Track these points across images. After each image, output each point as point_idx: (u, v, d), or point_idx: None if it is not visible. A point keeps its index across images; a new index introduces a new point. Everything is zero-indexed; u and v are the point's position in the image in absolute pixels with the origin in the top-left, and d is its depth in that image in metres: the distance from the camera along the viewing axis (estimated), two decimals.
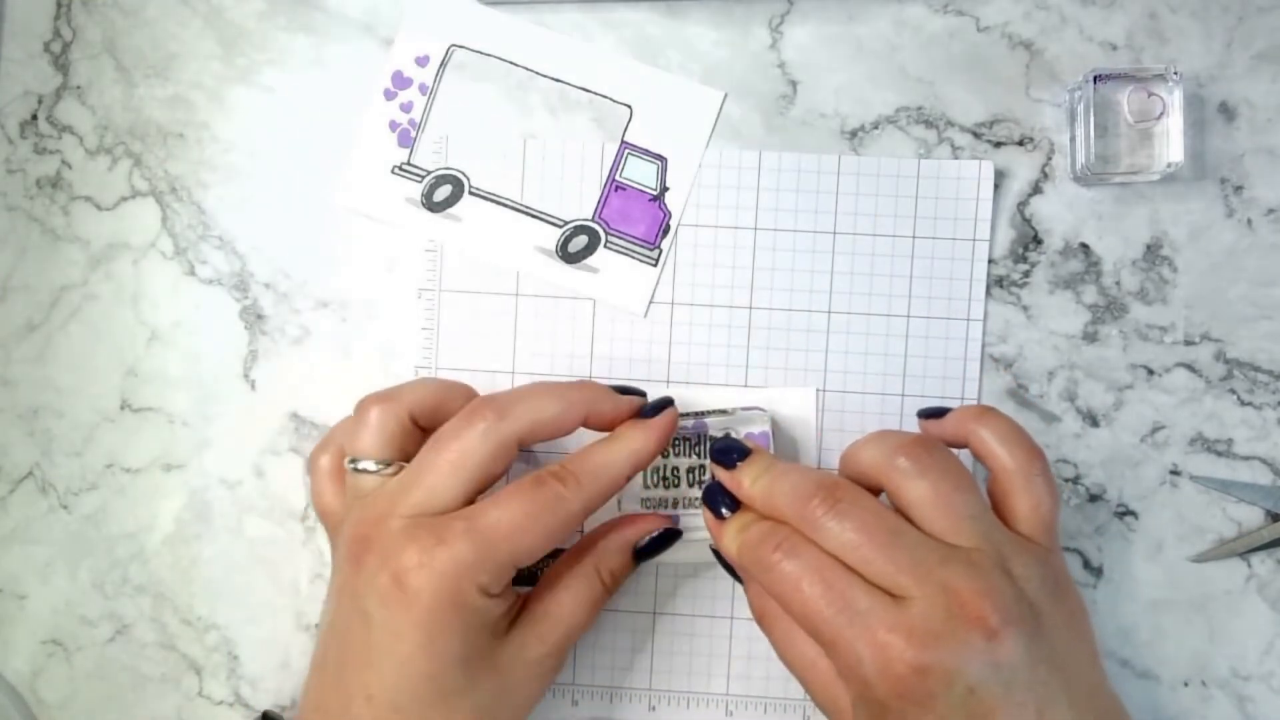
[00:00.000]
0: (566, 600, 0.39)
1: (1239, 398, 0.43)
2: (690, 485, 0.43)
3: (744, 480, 0.37)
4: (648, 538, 0.41)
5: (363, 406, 0.39)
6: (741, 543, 0.37)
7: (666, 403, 0.40)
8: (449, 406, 0.39)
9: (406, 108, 0.45)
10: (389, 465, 0.38)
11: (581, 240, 0.45)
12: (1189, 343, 0.43)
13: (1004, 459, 0.36)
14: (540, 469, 0.37)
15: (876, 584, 0.33)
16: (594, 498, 0.37)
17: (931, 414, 0.39)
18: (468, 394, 0.41)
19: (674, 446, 0.43)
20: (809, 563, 0.34)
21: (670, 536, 0.41)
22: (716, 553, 0.40)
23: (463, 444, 0.36)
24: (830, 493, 0.35)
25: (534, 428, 0.37)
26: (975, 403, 0.44)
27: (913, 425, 0.41)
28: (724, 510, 0.38)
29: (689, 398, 0.44)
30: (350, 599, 0.36)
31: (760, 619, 0.39)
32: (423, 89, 0.45)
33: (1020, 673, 0.32)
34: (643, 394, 0.40)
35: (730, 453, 0.38)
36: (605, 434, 0.39)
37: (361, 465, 0.38)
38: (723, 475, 0.38)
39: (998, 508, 0.37)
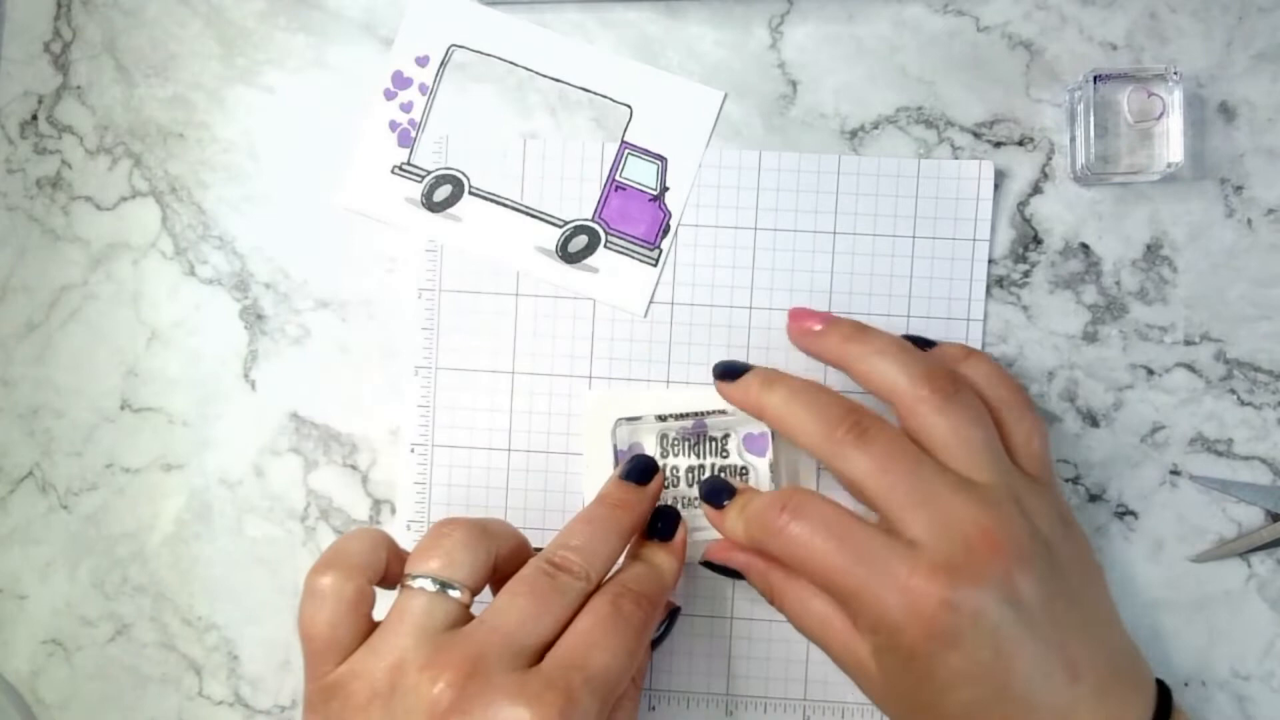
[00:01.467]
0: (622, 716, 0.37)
1: (1239, 398, 0.43)
2: (690, 485, 0.43)
3: (767, 403, 0.38)
4: (659, 629, 0.40)
5: (450, 527, 0.35)
6: (746, 519, 0.37)
7: (674, 520, 0.39)
8: (518, 556, 0.37)
9: (406, 108, 0.45)
10: (468, 592, 0.35)
11: (581, 240, 0.45)
12: (1189, 343, 0.43)
13: (991, 396, 0.37)
14: (606, 592, 0.35)
15: (890, 514, 0.34)
16: (658, 613, 0.37)
17: (918, 345, 0.40)
18: (525, 545, 0.39)
19: (673, 446, 0.43)
20: (817, 519, 0.34)
21: (675, 615, 0.41)
22: (707, 562, 0.40)
23: (560, 596, 0.35)
24: (858, 421, 0.35)
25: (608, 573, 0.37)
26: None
27: None
28: (724, 502, 0.38)
29: (689, 398, 0.44)
30: None
31: (769, 595, 0.38)
32: (423, 89, 0.45)
33: (1039, 606, 0.32)
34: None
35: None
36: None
37: (430, 585, 0.34)
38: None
39: None
